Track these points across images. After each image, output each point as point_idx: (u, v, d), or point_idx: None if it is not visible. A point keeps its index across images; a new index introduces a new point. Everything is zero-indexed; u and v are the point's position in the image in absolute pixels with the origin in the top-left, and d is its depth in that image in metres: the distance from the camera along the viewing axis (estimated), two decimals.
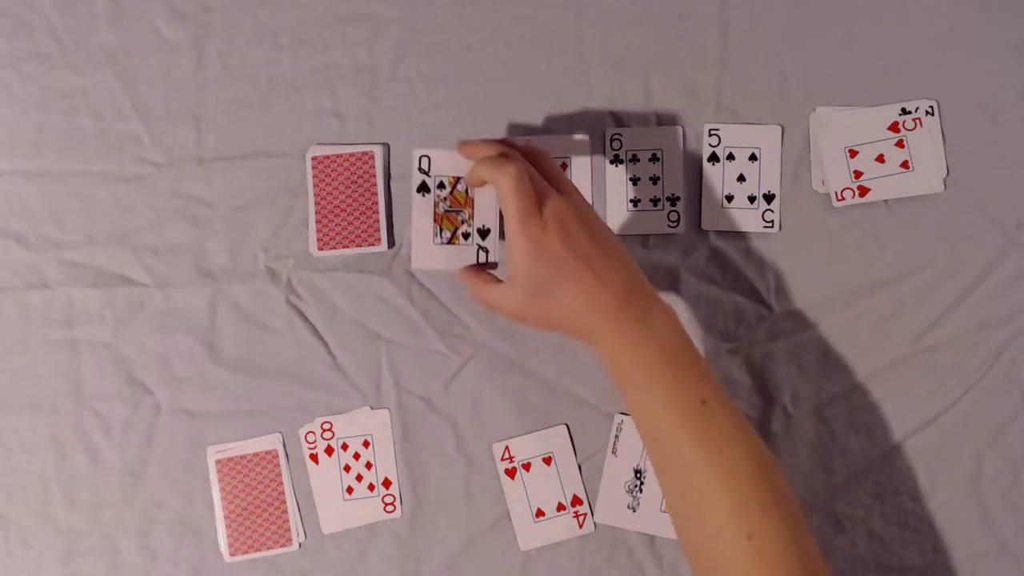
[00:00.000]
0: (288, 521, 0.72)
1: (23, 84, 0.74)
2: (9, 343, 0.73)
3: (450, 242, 0.68)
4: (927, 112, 0.73)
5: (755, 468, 0.59)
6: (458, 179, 0.68)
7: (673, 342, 0.61)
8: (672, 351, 0.61)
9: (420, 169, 0.68)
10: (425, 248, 0.68)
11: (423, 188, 0.68)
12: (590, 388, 0.72)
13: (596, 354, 0.62)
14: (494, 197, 0.67)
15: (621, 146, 0.74)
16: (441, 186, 0.68)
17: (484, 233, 0.68)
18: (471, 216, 0.68)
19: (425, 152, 0.69)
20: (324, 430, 0.72)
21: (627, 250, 0.64)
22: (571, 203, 0.62)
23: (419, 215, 0.69)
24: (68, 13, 0.75)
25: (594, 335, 0.62)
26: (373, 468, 0.72)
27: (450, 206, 0.68)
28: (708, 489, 0.58)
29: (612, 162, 0.74)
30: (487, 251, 0.68)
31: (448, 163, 0.68)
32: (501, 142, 0.66)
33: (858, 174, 0.73)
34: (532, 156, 0.65)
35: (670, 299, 0.73)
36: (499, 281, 0.66)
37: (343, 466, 0.72)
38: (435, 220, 0.68)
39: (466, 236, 0.68)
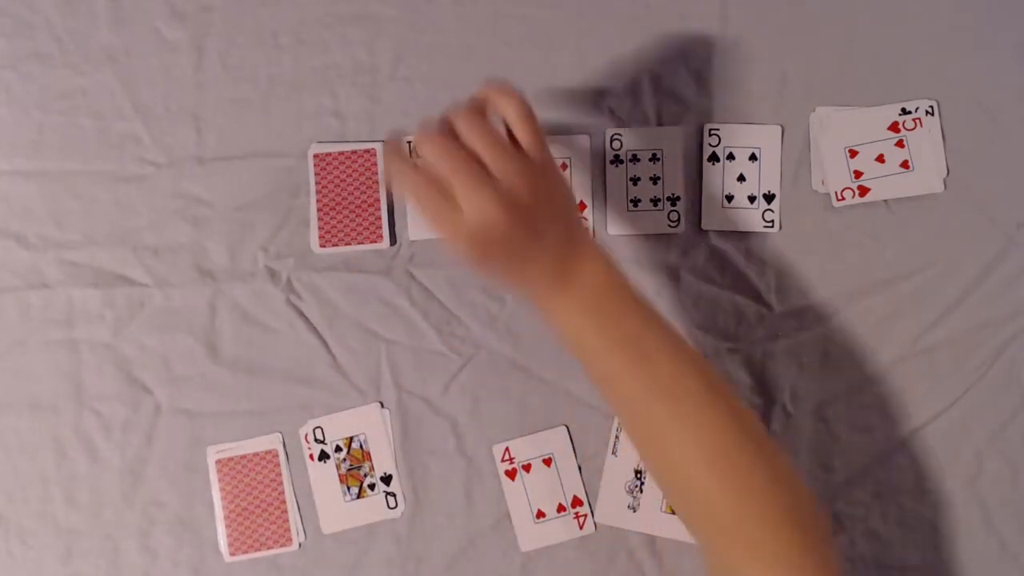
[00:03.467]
0: (288, 521, 0.72)
1: (23, 84, 0.74)
2: (9, 343, 0.73)
3: (359, 496, 0.72)
4: (927, 112, 0.73)
5: (704, 394, 0.60)
6: (351, 438, 0.72)
7: (598, 288, 0.61)
8: (600, 296, 0.61)
9: (316, 440, 0.72)
10: (336, 510, 0.72)
11: (323, 456, 0.72)
12: (590, 388, 0.72)
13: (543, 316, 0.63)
14: (389, 445, 0.72)
15: (621, 146, 0.74)
16: (338, 449, 0.72)
17: (387, 480, 0.72)
18: (372, 468, 0.72)
19: (318, 424, 0.72)
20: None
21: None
22: (498, 191, 0.58)
23: (322, 482, 0.72)
24: (68, 13, 0.75)
25: (528, 295, 0.63)
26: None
27: (351, 465, 0.72)
28: (662, 424, 0.60)
29: (612, 162, 0.74)
30: (393, 495, 0.72)
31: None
32: (443, 121, 0.61)
33: (858, 174, 0.73)
34: (465, 123, 0.60)
35: (670, 298, 0.73)
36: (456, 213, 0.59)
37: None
38: (340, 481, 0.72)
39: (372, 487, 0.72)
